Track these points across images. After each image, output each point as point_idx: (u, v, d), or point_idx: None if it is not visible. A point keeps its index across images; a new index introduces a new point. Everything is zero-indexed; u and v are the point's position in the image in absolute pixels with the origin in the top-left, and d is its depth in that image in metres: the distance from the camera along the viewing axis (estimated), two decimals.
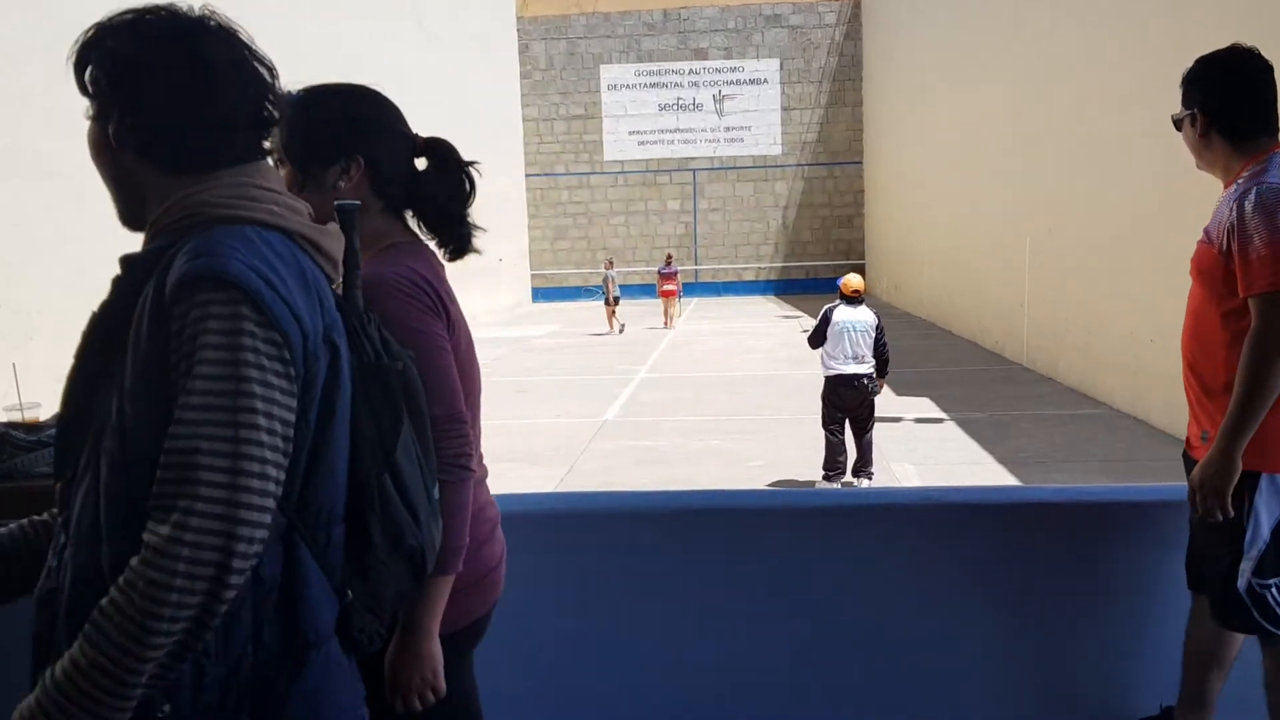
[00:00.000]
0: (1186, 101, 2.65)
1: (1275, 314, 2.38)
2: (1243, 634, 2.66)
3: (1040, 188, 14.07)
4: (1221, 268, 2.52)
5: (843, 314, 7.92)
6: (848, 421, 8.09)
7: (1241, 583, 2.53)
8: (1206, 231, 2.58)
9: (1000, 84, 16.14)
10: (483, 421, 2.07)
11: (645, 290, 32.37)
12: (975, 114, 17.81)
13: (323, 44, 17.31)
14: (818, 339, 7.99)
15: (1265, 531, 2.50)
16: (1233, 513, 2.50)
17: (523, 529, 3.07)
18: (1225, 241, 2.49)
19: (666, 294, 22.74)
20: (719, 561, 3.00)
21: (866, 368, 7.90)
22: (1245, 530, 2.51)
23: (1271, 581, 2.51)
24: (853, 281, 8.10)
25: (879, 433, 10.15)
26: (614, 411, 11.88)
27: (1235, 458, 2.45)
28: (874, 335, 7.88)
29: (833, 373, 7.96)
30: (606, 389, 13.64)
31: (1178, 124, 2.70)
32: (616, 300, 21.85)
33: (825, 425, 8.13)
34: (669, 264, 23.33)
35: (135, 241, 1.46)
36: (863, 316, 7.93)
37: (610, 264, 23.24)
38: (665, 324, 22.74)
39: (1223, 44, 2.65)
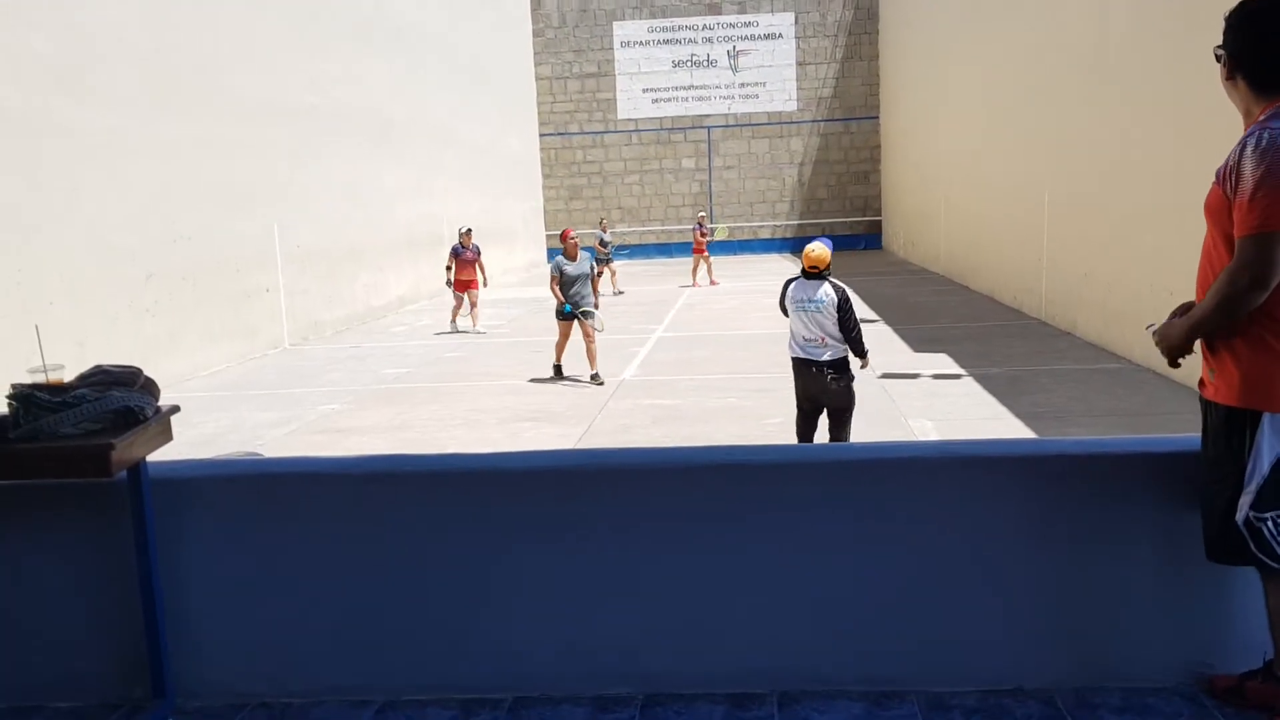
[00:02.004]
0: (1224, 41, 2.68)
1: (1254, 256, 2.46)
2: (1239, 566, 2.72)
3: (1058, 141, 13.90)
4: (1226, 208, 2.57)
5: (797, 289, 6.73)
6: (825, 412, 6.86)
7: (1240, 515, 2.62)
8: (1217, 172, 2.62)
9: (1018, 37, 15.90)
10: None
11: (661, 250, 32.29)
12: (993, 67, 17.56)
13: (335, 1, 17.20)
14: (782, 310, 6.97)
15: (1265, 467, 2.58)
16: (1179, 363, 2.78)
17: (540, 485, 3.10)
18: (1227, 183, 2.54)
19: (698, 251, 22.67)
20: (738, 516, 3.02)
21: (824, 354, 6.64)
22: (1246, 465, 2.59)
23: (1269, 514, 2.59)
24: (812, 252, 6.72)
25: (895, 389, 10.15)
26: (631, 370, 11.89)
27: (1189, 343, 2.72)
28: (835, 314, 6.54)
29: (791, 354, 6.88)
30: (623, 348, 13.64)
31: (1218, 58, 2.73)
32: (604, 262, 21.62)
33: (798, 406, 7.06)
34: (701, 224, 23.21)
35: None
36: (819, 294, 6.58)
37: (603, 224, 23.15)
38: (693, 284, 22.51)
39: None
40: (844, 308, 6.58)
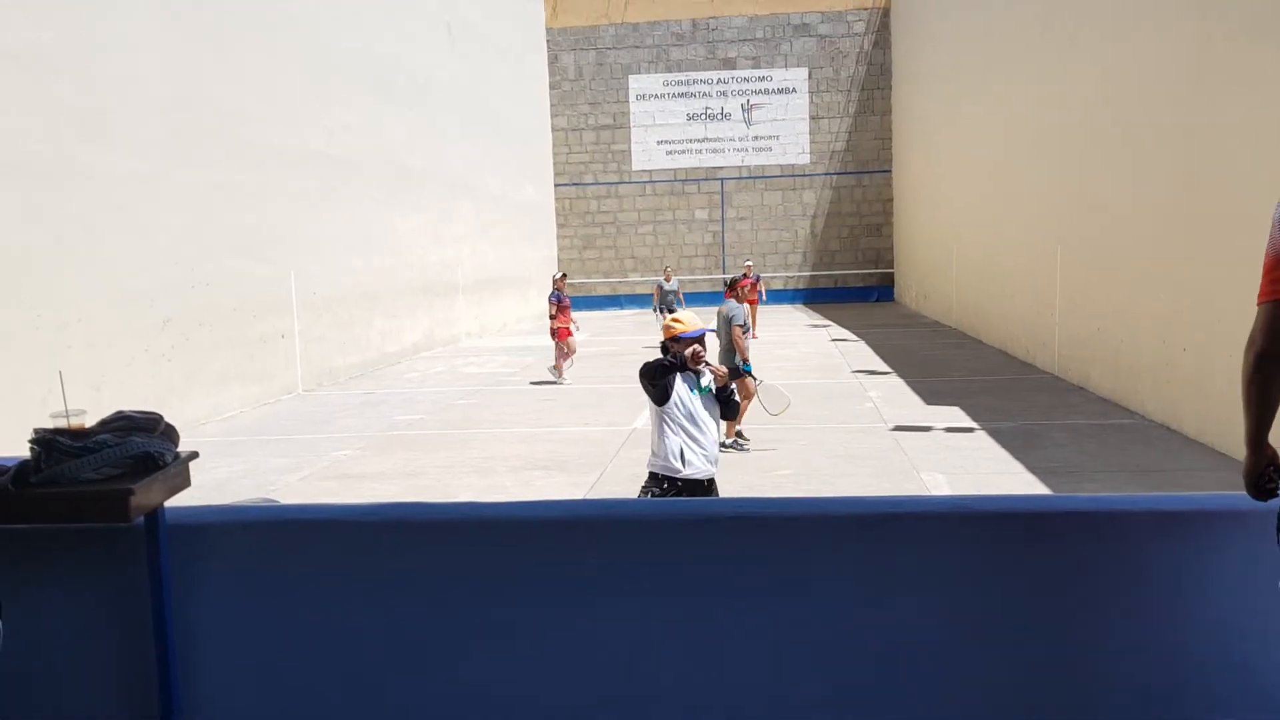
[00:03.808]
0: None
1: (1266, 324, 2.41)
2: None
3: (1070, 196, 13.98)
4: None
5: None
6: None
7: None
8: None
9: (1029, 91, 16.06)
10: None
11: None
12: (1004, 122, 17.72)
13: (355, 54, 17.50)
14: None
15: None
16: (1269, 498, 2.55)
17: (555, 535, 3.10)
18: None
19: (751, 302, 22.38)
20: (749, 567, 3.02)
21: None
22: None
23: None
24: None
25: (908, 442, 10.12)
26: (643, 419, 11.89)
27: (1255, 452, 2.51)
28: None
29: None
30: (635, 397, 13.63)
31: None
32: (668, 312, 20.76)
33: None
34: (748, 274, 22.40)
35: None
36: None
37: (666, 274, 22.14)
38: (753, 334, 22.05)
39: (1249, 47, 2.67)
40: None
